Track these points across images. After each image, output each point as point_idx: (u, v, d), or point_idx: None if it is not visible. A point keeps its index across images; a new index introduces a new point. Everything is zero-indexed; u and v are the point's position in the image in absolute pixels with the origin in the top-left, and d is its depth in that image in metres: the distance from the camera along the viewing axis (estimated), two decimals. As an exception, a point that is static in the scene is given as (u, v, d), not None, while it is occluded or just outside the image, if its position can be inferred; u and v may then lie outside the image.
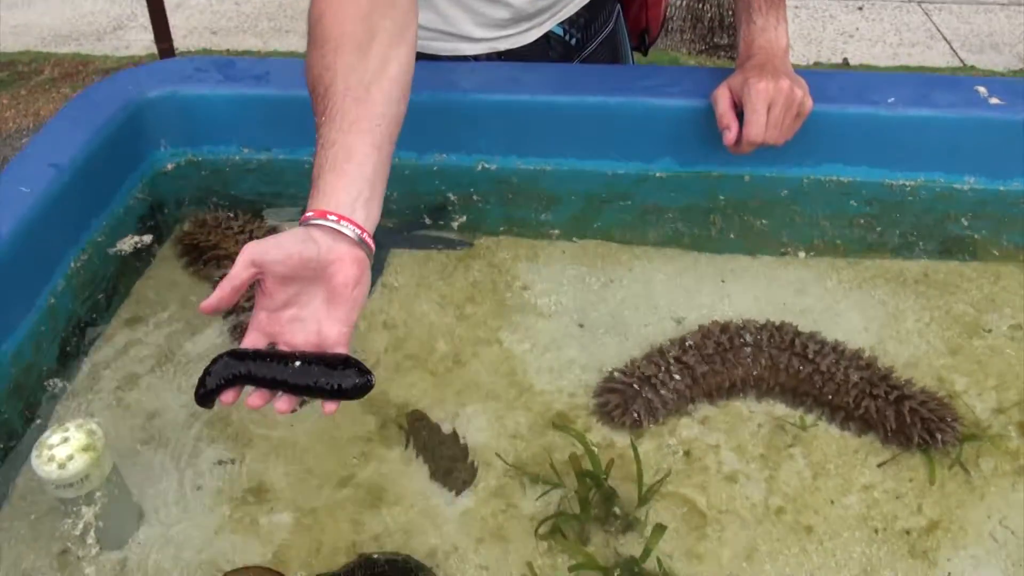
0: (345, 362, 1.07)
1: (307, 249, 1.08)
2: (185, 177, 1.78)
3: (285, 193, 1.74)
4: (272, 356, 1.08)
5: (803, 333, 1.41)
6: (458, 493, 1.27)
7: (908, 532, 1.21)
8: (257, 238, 1.57)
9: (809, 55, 5.26)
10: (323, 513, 1.25)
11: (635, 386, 1.35)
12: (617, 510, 1.22)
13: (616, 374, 1.39)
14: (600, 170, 1.71)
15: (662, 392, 1.34)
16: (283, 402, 1.09)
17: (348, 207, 1.12)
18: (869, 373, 1.36)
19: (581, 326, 1.49)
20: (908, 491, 1.26)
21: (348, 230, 1.10)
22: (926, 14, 5.71)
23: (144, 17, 4.27)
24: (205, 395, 1.09)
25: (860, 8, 5.82)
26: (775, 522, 1.23)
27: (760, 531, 1.22)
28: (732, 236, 1.64)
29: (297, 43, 5.35)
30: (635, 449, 1.26)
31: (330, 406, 1.09)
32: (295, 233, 1.10)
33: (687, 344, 1.39)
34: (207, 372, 1.09)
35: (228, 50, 5.44)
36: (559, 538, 1.20)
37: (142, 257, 1.64)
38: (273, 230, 1.63)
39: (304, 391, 1.07)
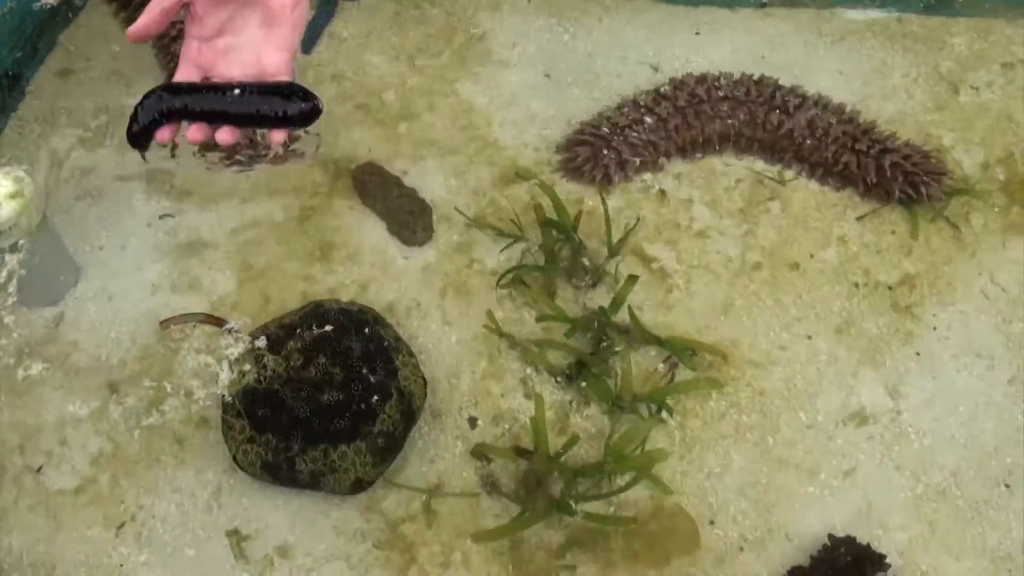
0: (289, 87, 0.97)
1: None
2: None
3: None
4: (209, 87, 0.97)
5: (783, 87, 1.32)
6: (419, 246, 1.20)
7: (890, 287, 1.16)
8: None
9: None
10: (270, 267, 1.17)
11: (605, 137, 1.26)
12: (586, 261, 1.15)
13: (585, 126, 1.30)
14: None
15: (634, 144, 1.25)
16: (225, 133, 0.98)
17: None
18: (851, 127, 1.28)
19: (548, 76, 1.38)
20: (889, 246, 1.20)
21: None
22: None
23: None
24: (138, 133, 0.98)
25: None
26: (751, 276, 1.17)
27: (736, 285, 1.16)
28: (709, -13, 1.53)
29: None
30: (604, 200, 1.19)
31: (278, 135, 0.99)
32: None
33: (660, 93, 1.30)
34: (138, 107, 0.97)
35: None
36: (523, 290, 1.14)
37: (70, 5, 1.49)
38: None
39: (246, 120, 0.97)
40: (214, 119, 0.98)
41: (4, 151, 1.29)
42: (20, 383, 1.08)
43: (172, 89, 0.98)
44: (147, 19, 0.95)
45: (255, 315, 1.12)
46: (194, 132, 0.99)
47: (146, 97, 0.98)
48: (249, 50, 0.99)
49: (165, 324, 1.10)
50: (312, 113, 0.97)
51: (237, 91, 0.96)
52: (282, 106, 0.96)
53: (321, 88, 1.35)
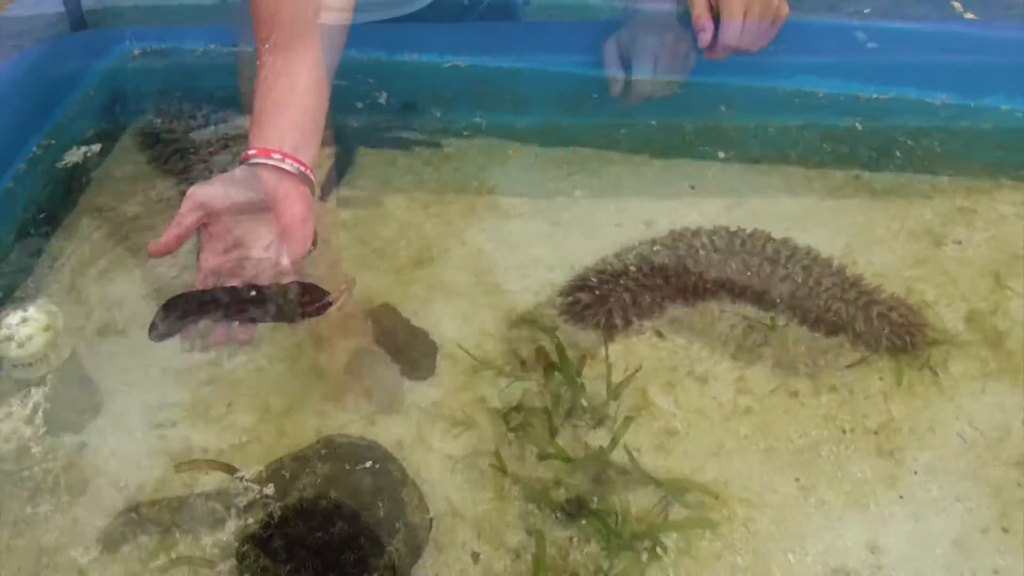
0: (301, 285, 1.09)
1: (253, 190, 1.09)
2: (149, 69, 1.73)
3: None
4: (226, 292, 1.09)
5: (774, 239, 1.39)
6: (424, 381, 1.25)
7: (876, 432, 1.21)
8: (223, 123, 1.56)
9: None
10: (285, 401, 1.23)
11: (607, 285, 1.33)
12: (585, 403, 1.21)
13: (587, 273, 1.37)
14: (573, 73, 1.68)
15: (634, 291, 1.33)
16: (242, 332, 1.11)
17: (291, 145, 1.12)
18: (839, 279, 1.35)
19: (555, 224, 1.47)
20: (876, 392, 1.25)
21: (293, 168, 1.11)
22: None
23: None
24: (159, 337, 1.09)
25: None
26: (742, 420, 1.22)
27: (728, 428, 1.21)
28: (704, 145, 1.62)
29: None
30: (606, 346, 1.25)
31: (293, 329, 1.14)
32: (240, 174, 1.11)
33: (659, 246, 1.37)
34: (157, 316, 1.09)
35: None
36: (527, 429, 1.19)
37: (104, 148, 1.59)
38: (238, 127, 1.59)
39: (263, 317, 1.09)
40: (232, 319, 1.09)
41: (33, 287, 1.36)
42: (31, 517, 1.11)
43: (189, 296, 1.10)
44: (166, 240, 1.08)
45: (270, 448, 1.17)
46: (217, 335, 1.11)
47: (166, 306, 1.09)
48: (262, 260, 1.13)
49: (180, 467, 1.14)
50: (324, 307, 1.10)
51: (253, 292, 1.08)
52: (296, 304, 1.09)
53: (339, 232, 1.43)
